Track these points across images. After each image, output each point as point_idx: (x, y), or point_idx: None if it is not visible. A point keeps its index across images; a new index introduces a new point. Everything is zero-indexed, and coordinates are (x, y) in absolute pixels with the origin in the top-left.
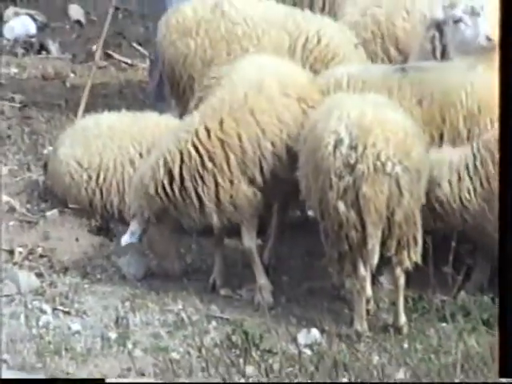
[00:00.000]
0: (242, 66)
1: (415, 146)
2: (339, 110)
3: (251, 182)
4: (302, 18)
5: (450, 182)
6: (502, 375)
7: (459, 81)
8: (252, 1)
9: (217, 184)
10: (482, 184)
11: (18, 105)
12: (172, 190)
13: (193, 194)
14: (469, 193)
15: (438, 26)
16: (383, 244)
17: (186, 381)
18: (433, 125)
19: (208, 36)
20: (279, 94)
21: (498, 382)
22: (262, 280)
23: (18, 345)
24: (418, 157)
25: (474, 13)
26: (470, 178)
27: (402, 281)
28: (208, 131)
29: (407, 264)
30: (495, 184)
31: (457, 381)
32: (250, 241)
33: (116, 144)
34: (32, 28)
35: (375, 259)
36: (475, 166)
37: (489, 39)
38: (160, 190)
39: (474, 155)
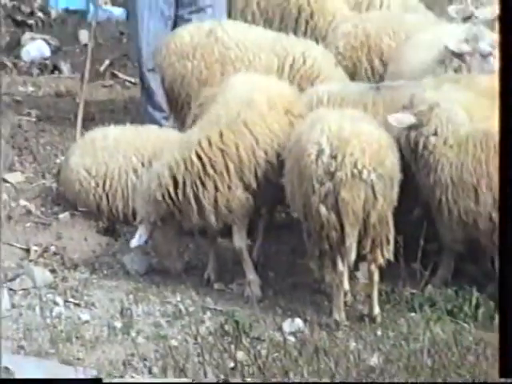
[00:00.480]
0: (234, 83)
1: (388, 155)
2: (321, 124)
3: (246, 187)
4: (288, 41)
5: None
6: (502, 375)
7: (423, 97)
8: (243, 27)
9: (216, 189)
10: None
11: (34, 119)
12: (176, 195)
13: (193, 199)
14: None
15: (462, 58)
16: (359, 243)
17: (186, 380)
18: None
19: (203, 59)
20: (268, 107)
21: (498, 382)
22: (252, 275)
23: (33, 333)
24: (390, 165)
25: (493, 46)
26: None
27: (376, 276)
28: (209, 142)
29: (381, 261)
30: None
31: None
32: (240, 240)
33: (121, 154)
34: (46, 51)
35: (352, 256)
36: None
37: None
38: (166, 195)
39: None
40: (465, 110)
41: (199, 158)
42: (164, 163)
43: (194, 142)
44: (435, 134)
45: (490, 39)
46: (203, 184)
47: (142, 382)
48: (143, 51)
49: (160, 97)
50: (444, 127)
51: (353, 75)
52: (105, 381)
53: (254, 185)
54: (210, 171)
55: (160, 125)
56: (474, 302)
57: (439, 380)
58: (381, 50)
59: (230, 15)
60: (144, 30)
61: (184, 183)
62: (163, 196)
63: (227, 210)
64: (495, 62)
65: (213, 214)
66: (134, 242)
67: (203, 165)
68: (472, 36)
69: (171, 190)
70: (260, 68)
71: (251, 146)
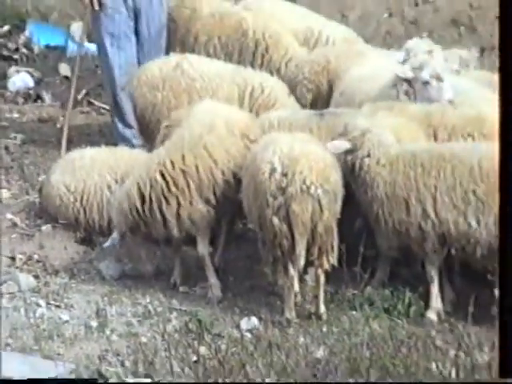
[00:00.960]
0: (197, 110)
1: (332, 173)
2: (273, 145)
3: (206, 201)
4: (247, 73)
5: None
6: (502, 375)
7: (364, 124)
8: (205, 60)
9: (179, 204)
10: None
11: (19, 142)
12: (143, 209)
13: (158, 213)
14: None
15: (410, 83)
16: (308, 250)
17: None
18: None
19: (172, 89)
20: (227, 132)
21: (498, 382)
22: (213, 279)
23: (18, 332)
24: (334, 182)
25: (439, 78)
26: None
27: (322, 279)
28: (172, 163)
29: (326, 266)
30: None
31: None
32: (203, 248)
33: (96, 173)
34: (30, 82)
35: (301, 262)
36: None
37: (450, 102)
38: (134, 210)
39: None
40: (395, 134)
41: (163, 177)
42: (132, 181)
43: (159, 163)
44: (368, 155)
45: (432, 69)
46: (167, 200)
47: (141, 381)
48: (115, 73)
49: (130, 115)
50: (376, 150)
51: (316, 96)
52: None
53: (213, 200)
54: (173, 189)
55: (131, 141)
56: (406, 301)
57: (376, 370)
58: (339, 75)
59: (193, 50)
60: (115, 53)
61: (150, 199)
62: (131, 210)
63: (190, 222)
64: (433, 91)
65: (175, 226)
66: (107, 244)
67: (167, 183)
68: (417, 65)
69: (138, 205)
70: (222, 97)
71: (210, 168)
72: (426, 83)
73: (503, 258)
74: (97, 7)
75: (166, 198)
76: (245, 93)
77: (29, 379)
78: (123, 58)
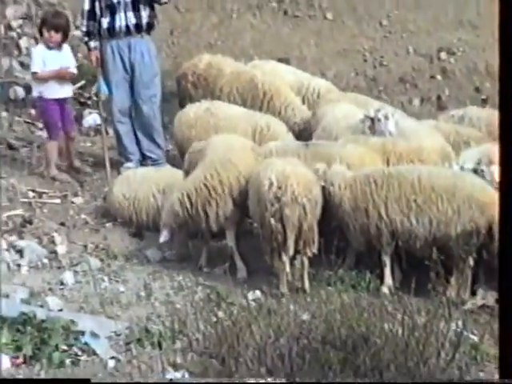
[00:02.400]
0: (215, 140)
1: (314, 187)
2: (271, 166)
3: (234, 203)
4: (256, 115)
5: None
6: (502, 375)
7: (335, 151)
8: (227, 105)
9: (217, 206)
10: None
11: (91, 164)
12: (191, 210)
13: (202, 212)
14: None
15: (372, 120)
16: (295, 242)
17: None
18: None
19: (203, 127)
20: (242, 150)
21: (498, 382)
22: (240, 264)
23: (89, 299)
24: (315, 193)
25: (386, 117)
26: None
27: (306, 263)
28: (211, 176)
29: (309, 254)
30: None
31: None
32: (231, 240)
33: (145, 185)
34: (98, 120)
35: (291, 251)
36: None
37: (390, 134)
38: (185, 211)
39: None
40: (361, 159)
41: (206, 186)
42: (180, 191)
43: (201, 177)
44: (332, 185)
45: (384, 111)
46: (209, 203)
47: (133, 382)
48: (114, 108)
49: (129, 144)
50: (336, 180)
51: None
52: (120, 379)
53: (238, 202)
54: (213, 194)
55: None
56: (367, 279)
57: (345, 329)
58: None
59: (219, 97)
60: (116, 95)
61: (196, 202)
62: (182, 211)
63: (224, 218)
64: (382, 126)
65: (215, 221)
66: (160, 239)
67: (208, 190)
68: (376, 108)
69: (188, 207)
70: (240, 133)
71: (236, 176)
72: (379, 120)
73: (503, 259)
74: (98, 65)
75: (208, 201)
76: (256, 130)
77: (29, 379)
78: (119, 97)
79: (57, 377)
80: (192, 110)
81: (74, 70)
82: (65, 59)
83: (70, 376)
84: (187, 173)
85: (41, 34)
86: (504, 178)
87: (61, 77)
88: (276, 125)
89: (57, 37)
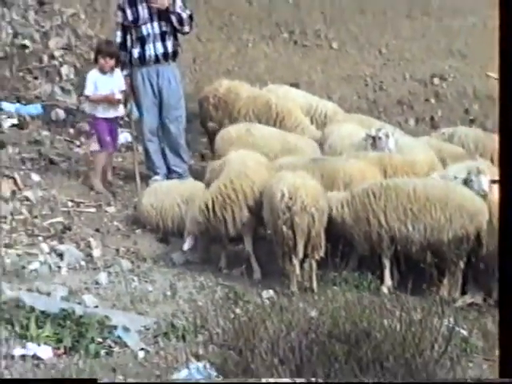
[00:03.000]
0: (231, 156)
1: (321, 197)
2: (283, 179)
3: (249, 210)
4: (287, 136)
5: None
6: (502, 375)
7: (339, 166)
8: (262, 127)
9: (233, 212)
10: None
11: (122, 177)
12: (210, 217)
13: (221, 218)
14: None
15: (374, 138)
16: (305, 247)
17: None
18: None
19: (242, 144)
20: (256, 163)
21: (498, 382)
22: (256, 266)
23: (121, 297)
24: (322, 203)
25: (387, 135)
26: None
27: (314, 265)
28: (226, 186)
29: (317, 257)
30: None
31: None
32: (248, 245)
33: (170, 196)
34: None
35: (300, 255)
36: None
37: (390, 150)
38: (205, 218)
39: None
40: (361, 173)
41: (221, 195)
42: (202, 200)
43: (218, 186)
44: (331, 209)
45: (385, 131)
46: (226, 209)
47: (137, 382)
48: (144, 129)
49: (157, 160)
50: (334, 204)
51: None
52: (125, 380)
53: (253, 209)
54: (228, 201)
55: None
56: (368, 280)
57: (348, 324)
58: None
59: (237, 119)
60: (146, 117)
61: (214, 209)
62: (203, 218)
63: (241, 224)
64: (382, 144)
65: (232, 226)
66: (185, 247)
67: (223, 199)
68: (377, 127)
69: (207, 214)
70: (272, 151)
71: (250, 186)
72: (380, 138)
73: (503, 262)
74: (129, 90)
75: (225, 208)
76: (284, 147)
77: (29, 379)
78: (149, 118)
79: (93, 367)
80: (233, 129)
81: (120, 96)
82: (115, 83)
83: (105, 365)
84: (208, 186)
85: (95, 61)
86: (504, 178)
87: (108, 101)
88: (303, 143)
89: (111, 62)
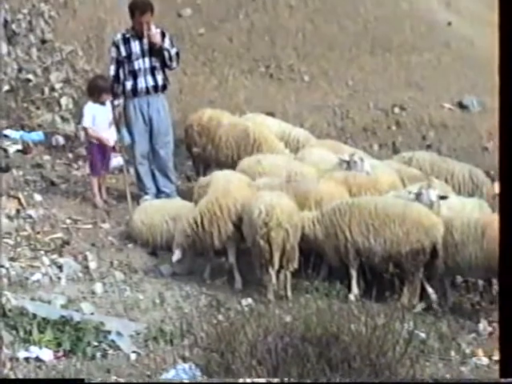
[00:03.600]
0: (217, 175)
1: (295, 214)
2: (261, 198)
3: (233, 224)
4: (292, 163)
5: None
6: (502, 375)
7: (310, 187)
8: (269, 156)
9: (219, 227)
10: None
11: (115, 196)
12: (198, 231)
13: (208, 231)
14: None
15: (348, 162)
16: (280, 259)
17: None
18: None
19: (253, 173)
20: (239, 182)
21: (498, 382)
22: (238, 277)
23: (114, 305)
24: (296, 219)
25: (362, 159)
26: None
27: (288, 276)
28: (212, 203)
29: (291, 268)
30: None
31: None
32: (232, 257)
33: (159, 214)
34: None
35: (276, 266)
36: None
37: (368, 173)
38: (193, 232)
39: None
40: (330, 193)
41: (208, 211)
42: (191, 215)
43: (204, 203)
44: (303, 227)
45: (359, 155)
46: (212, 224)
47: (125, 382)
48: (136, 154)
49: (147, 182)
50: (306, 223)
51: None
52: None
53: (236, 223)
54: (214, 217)
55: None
56: (337, 288)
57: (319, 329)
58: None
59: (218, 144)
60: (137, 144)
61: (202, 223)
62: (191, 232)
63: (226, 237)
64: (358, 167)
65: (218, 239)
66: (174, 258)
67: (211, 214)
68: (351, 152)
69: (195, 228)
70: (279, 176)
71: (233, 202)
72: (355, 162)
73: (503, 264)
74: (120, 120)
75: (211, 222)
76: (291, 174)
77: (28, 379)
78: (141, 144)
79: (90, 368)
80: (247, 160)
81: (111, 143)
82: (111, 113)
83: (101, 367)
84: (196, 202)
85: (90, 94)
86: (504, 182)
87: (102, 144)
88: (304, 170)
89: (105, 96)
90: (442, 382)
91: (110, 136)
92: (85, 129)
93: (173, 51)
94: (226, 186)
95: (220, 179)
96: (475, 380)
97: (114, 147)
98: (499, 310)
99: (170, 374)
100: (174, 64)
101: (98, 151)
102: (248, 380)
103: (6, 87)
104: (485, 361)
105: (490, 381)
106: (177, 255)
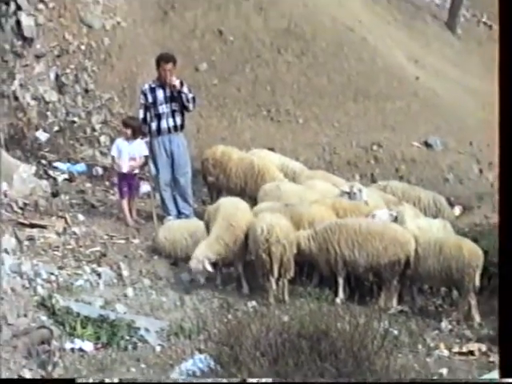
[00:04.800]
0: (225, 202)
1: (291, 232)
2: (263, 219)
3: (240, 243)
4: (307, 191)
5: None
6: (502, 375)
7: (304, 210)
8: (285, 184)
9: (227, 245)
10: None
11: (144, 216)
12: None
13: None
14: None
15: (349, 193)
16: (279, 269)
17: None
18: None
19: (272, 197)
20: (244, 209)
21: (498, 382)
22: (244, 284)
23: (143, 306)
24: (292, 236)
25: (360, 190)
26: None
27: (286, 283)
28: (227, 227)
29: (288, 277)
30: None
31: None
32: (240, 267)
33: (180, 231)
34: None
35: (276, 275)
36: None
37: (366, 203)
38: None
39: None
40: (321, 215)
41: (221, 237)
42: (210, 236)
43: (217, 231)
44: (299, 244)
45: (358, 186)
46: (235, 242)
47: (120, 382)
48: (161, 182)
49: (169, 204)
50: (302, 240)
51: None
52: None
53: (243, 241)
54: (226, 239)
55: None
56: (326, 293)
57: (312, 326)
58: None
59: (229, 175)
60: (161, 173)
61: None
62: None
63: (233, 254)
64: (357, 197)
65: (231, 252)
66: (208, 268)
67: (223, 237)
68: (350, 184)
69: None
70: (290, 199)
71: (240, 226)
72: (354, 193)
73: (503, 265)
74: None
75: (235, 241)
76: (301, 200)
77: (28, 379)
78: (164, 174)
79: (123, 358)
80: (269, 185)
81: (124, 170)
82: (134, 149)
83: (131, 356)
84: (207, 223)
85: (125, 126)
86: (503, 184)
87: (130, 169)
88: (313, 197)
89: (127, 132)
90: (442, 382)
91: (123, 165)
92: (112, 157)
93: (190, 96)
94: (235, 208)
95: (229, 204)
96: (475, 380)
97: (140, 177)
98: (499, 310)
99: (188, 363)
100: (191, 106)
101: (123, 178)
102: (254, 380)
103: (56, 128)
104: (446, 353)
105: (490, 381)
106: (209, 268)
